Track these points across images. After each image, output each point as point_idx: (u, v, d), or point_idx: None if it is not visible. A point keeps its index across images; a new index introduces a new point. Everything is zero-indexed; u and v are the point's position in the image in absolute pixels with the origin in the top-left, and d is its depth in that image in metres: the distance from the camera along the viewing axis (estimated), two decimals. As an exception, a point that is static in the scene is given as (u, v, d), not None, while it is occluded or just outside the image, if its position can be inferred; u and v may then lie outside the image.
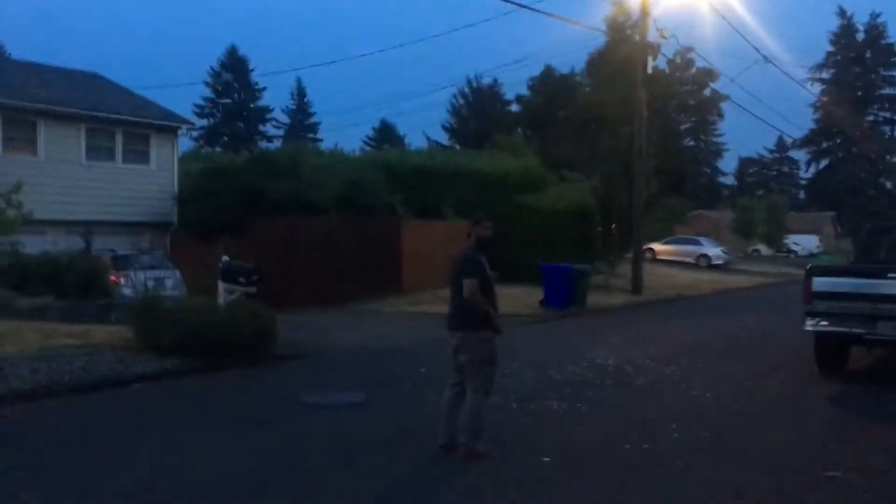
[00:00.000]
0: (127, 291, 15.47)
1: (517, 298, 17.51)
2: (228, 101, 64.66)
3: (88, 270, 15.62)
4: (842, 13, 70.58)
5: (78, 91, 22.49)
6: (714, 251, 38.87)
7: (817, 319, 9.47)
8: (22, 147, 19.80)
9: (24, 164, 18.63)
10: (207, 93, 63.74)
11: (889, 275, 9.19)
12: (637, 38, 24.41)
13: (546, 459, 6.08)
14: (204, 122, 62.55)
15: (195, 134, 59.27)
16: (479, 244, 6.28)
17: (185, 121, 25.02)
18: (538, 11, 19.53)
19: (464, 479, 5.69)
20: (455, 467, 5.93)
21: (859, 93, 70.62)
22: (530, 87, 51.76)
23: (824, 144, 72.86)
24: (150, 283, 11.81)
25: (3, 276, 12.91)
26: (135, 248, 20.20)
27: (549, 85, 46.38)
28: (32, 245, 15.96)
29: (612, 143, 25.10)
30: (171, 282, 15.87)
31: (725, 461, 6.14)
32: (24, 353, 9.76)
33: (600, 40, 32.35)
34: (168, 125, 23.14)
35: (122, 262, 17.27)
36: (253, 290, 10.63)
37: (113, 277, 16.37)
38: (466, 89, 60.67)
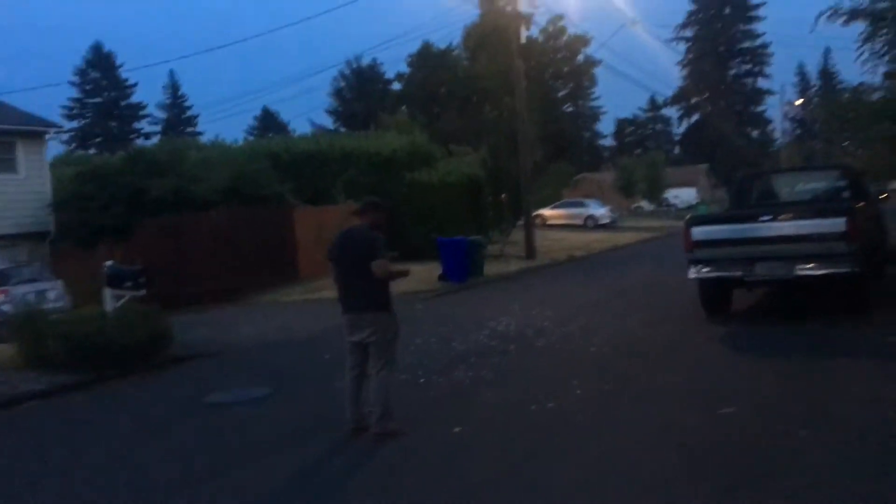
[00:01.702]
0: (6, 308, 14.62)
1: (416, 275, 17.44)
2: (98, 99, 61.80)
3: (-40, 290, 14.68)
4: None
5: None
6: (600, 211, 40.15)
7: (699, 266, 9.97)
8: None
9: None
10: (74, 93, 60.69)
11: (761, 218, 9.77)
12: (509, 8, 24.75)
13: (457, 430, 6.19)
14: (74, 123, 59.56)
15: (65, 137, 56.51)
16: (373, 227, 6.29)
17: (52, 124, 23.71)
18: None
19: (378, 458, 5.73)
20: (369, 448, 5.96)
21: (721, 48, 74.10)
22: (409, 64, 51.68)
23: (693, 100, 76.21)
24: (31, 297, 11.20)
25: None
26: (11, 261, 19.07)
27: (429, 61, 46.46)
28: None
29: (495, 114, 25.45)
30: (54, 293, 15.10)
31: (629, 409, 6.42)
32: None
33: (475, 13, 32.59)
34: (34, 130, 21.87)
35: (-2, 278, 16.30)
36: (142, 292, 10.26)
37: (-11, 295, 15.43)
38: (347, 71, 60.10)
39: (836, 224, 9.07)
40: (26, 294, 13.89)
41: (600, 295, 14.13)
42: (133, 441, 6.81)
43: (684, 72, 75.16)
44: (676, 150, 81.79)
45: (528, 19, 25.48)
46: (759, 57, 75.21)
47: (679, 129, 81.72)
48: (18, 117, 22.07)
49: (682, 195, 54.93)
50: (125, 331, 9.78)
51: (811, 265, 9.25)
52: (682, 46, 74.75)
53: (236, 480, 5.46)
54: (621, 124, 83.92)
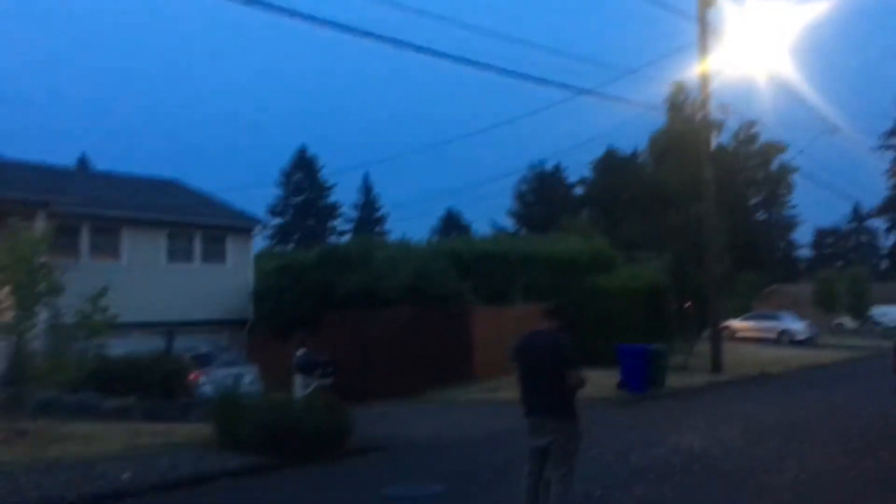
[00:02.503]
0: (206, 389, 15.76)
1: (593, 381, 17.00)
2: (299, 199, 66.80)
3: (169, 370, 16.00)
4: (908, 77, 69.37)
5: (158, 198, 23.63)
6: (796, 326, 37.51)
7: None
8: (107, 254, 20.76)
9: (108, 269, 19.47)
10: (279, 192, 66.10)
11: None
12: (699, 115, 24.44)
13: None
14: (277, 220, 64.64)
15: (269, 233, 61.34)
16: (560, 330, 6.27)
17: (258, 221, 25.96)
18: (597, 94, 19.83)
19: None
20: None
21: (936, 156, 68.58)
22: (593, 169, 52.06)
23: (903, 211, 70.54)
24: (229, 380, 12.01)
25: (89, 379, 13.33)
26: (214, 345, 20.67)
27: (613, 166, 46.64)
28: (116, 347, 16.51)
29: (681, 221, 24.82)
30: (249, 378, 16.10)
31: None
32: (110, 453, 9.98)
33: (660, 120, 32.47)
34: (242, 226, 24.01)
35: (201, 360, 17.66)
36: (328, 381, 10.74)
37: (193, 376, 16.72)
38: (530, 175, 61.31)
39: None
40: (225, 377, 14.91)
41: (797, 417, 13.04)
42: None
43: (892, 181, 70.09)
44: (884, 264, 75.60)
45: (719, 126, 24.99)
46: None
47: (886, 242, 75.67)
48: (229, 214, 24.34)
49: (890, 313, 50.21)
50: (311, 418, 10.19)
51: None
52: (890, 155, 70.02)
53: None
54: (821, 235, 78.98)
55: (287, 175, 66.38)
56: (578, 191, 58.07)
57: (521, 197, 61.71)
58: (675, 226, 24.72)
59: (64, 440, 10.57)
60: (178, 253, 22.38)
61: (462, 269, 23.29)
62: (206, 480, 9.04)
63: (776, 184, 49.22)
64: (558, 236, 30.42)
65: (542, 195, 59.85)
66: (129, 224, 21.14)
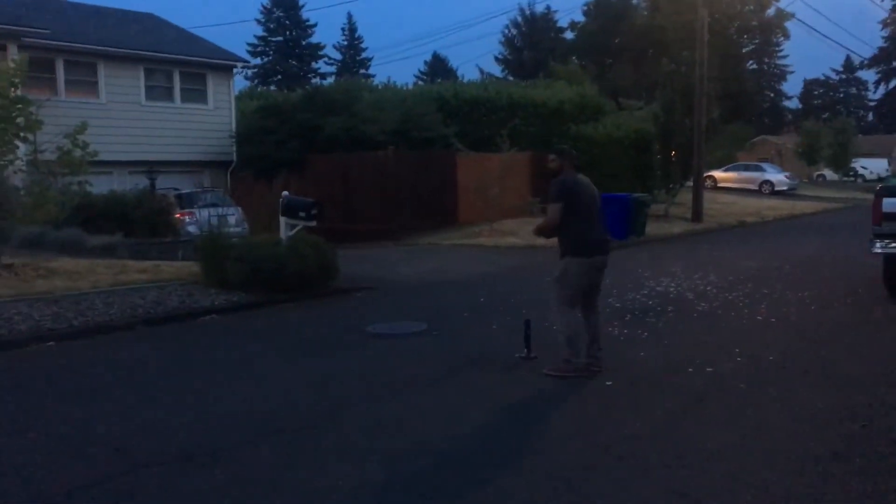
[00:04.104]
0: (192, 229, 15.86)
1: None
2: (280, 39, 64.57)
3: (155, 209, 16.04)
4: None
5: (134, 32, 22.73)
6: (778, 177, 37.84)
7: (886, 241, 9.23)
8: (83, 90, 20.21)
9: (86, 106, 19.01)
10: (259, 31, 63.78)
11: (965, 194, 8.86)
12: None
13: (609, 383, 6.13)
14: (257, 60, 62.74)
15: (249, 73, 59.68)
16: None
17: (239, 59, 25.15)
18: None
19: (529, 401, 5.78)
20: (524, 388, 6.03)
21: (934, 6, 66.71)
22: (585, 13, 50.29)
23: (894, 63, 69.48)
24: (214, 221, 12.04)
25: (73, 216, 13.32)
26: (196, 186, 20.62)
27: (605, 10, 45.03)
28: (99, 185, 16.43)
29: (672, 68, 24.34)
30: (234, 218, 16.17)
31: (790, 383, 6.10)
32: (97, 288, 10.17)
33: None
34: (223, 63, 23.30)
35: (186, 201, 17.67)
36: (313, 224, 10.78)
37: (178, 215, 16.78)
38: (519, 18, 59.32)
39: None
40: (210, 217, 14.96)
41: (770, 264, 13.40)
42: (301, 358, 7.24)
43: (886, 31, 68.42)
44: (870, 116, 75.28)
45: (716, -32, 24.02)
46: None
47: (875, 95, 75.03)
48: (209, 50, 23.55)
49: (872, 166, 50.57)
50: (297, 259, 10.34)
51: None
52: (888, 3, 67.99)
53: (419, 395, 5.69)
54: (810, 85, 78.07)
55: (268, 12, 63.80)
56: (568, 35, 56.37)
57: (509, 42, 59.98)
58: (667, 73, 24.28)
59: (50, 275, 10.71)
60: (157, 91, 21.84)
61: (448, 115, 22.99)
62: (194, 315, 9.27)
63: (771, 31, 47.95)
64: (546, 83, 29.84)
65: (531, 40, 58.16)
66: (106, 59, 20.46)
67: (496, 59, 60.51)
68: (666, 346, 7.45)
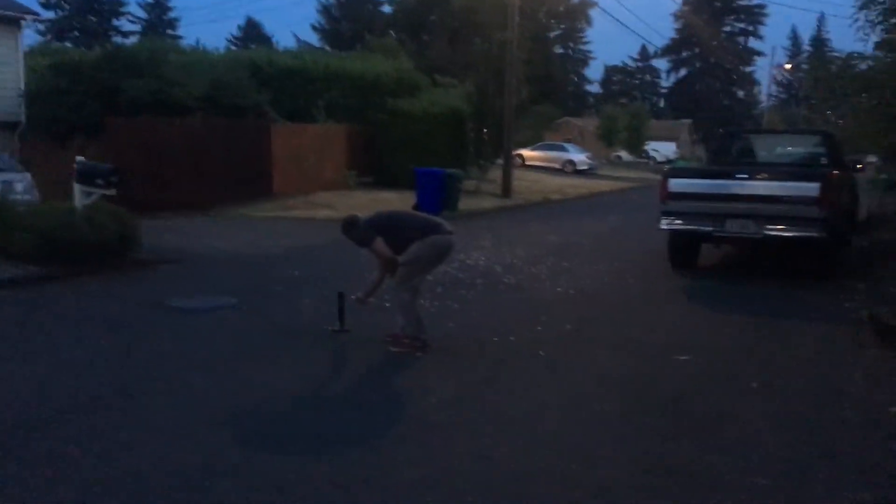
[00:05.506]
0: (-29, 196, 14.36)
1: (390, 203, 17.57)
2: (77, -9, 59.58)
3: (-75, 174, 14.36)
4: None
5: None
6: (579, 157, 40.10)
7: (672, 218, 10.08)
8: None
9: None
10: (52, -19, 58.44)
11: (737, 176, 9.86)
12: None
13: (419, 354, 6.29)
14: (51, 14, 57.55)
15: (42, 28, 54.62)
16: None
17: (28, 11, 22.89)
18: None
19: (342, 373, 5.81)
20: (334, 361, 6.03)
21: (718, 3, 73.26)
22: (403, -12, 50.29)
23: (684, 54, 75.65)
24: (-1, 187, 11.02)
25: None
26: (-23, 149, 18.67)
27: (423, -14, 45.23)
28: None
29: (485, 49, 25.04)
30: (22, 185, 14.80)
31: (586, 350, 6.56)
32: None
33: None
34: (9, 15, 21.10)
35: (-37, 165, 15.96)
36: (112, 192, 10.13)
37: (-46, 181, 15.13)
38: (337, -13, 58.41)
39: (810, 189, 9.19)
40: (-7, 184, 13.63)
41: (572, 239, 14.25)
42: (97, 334, 6.80)
43: (678, 24, 74.34)
44: (662, 103, 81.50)
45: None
46: (754, 16, 74.57)
47: (667, 83, 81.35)
48: (-7, 0, 21.27)
49: (662, 149, 54.98)
50: (94, 228, 9.69)
51: (781, 227, 9.41)
52: (683, -5, 73.57)
53: (220, 371, 5.51)
54: (610, 72, 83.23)
55: (62, -39, 58.63)
56: (387, 9, 56.31)
57: (326, 10, 59.04)
58: (480, 52, 24.93)
59: None
60: (-71, 41, 19.50)
61: (262, 83, 22.27)
62: (-26, 291, 8.45)
63: (576, 18, 50.51)
64: (363, 55, 29.68)
65: (349, 11, 57.59)
66: None
67: (313, 27, 59.45)
68: (474, 317, 7.75)
